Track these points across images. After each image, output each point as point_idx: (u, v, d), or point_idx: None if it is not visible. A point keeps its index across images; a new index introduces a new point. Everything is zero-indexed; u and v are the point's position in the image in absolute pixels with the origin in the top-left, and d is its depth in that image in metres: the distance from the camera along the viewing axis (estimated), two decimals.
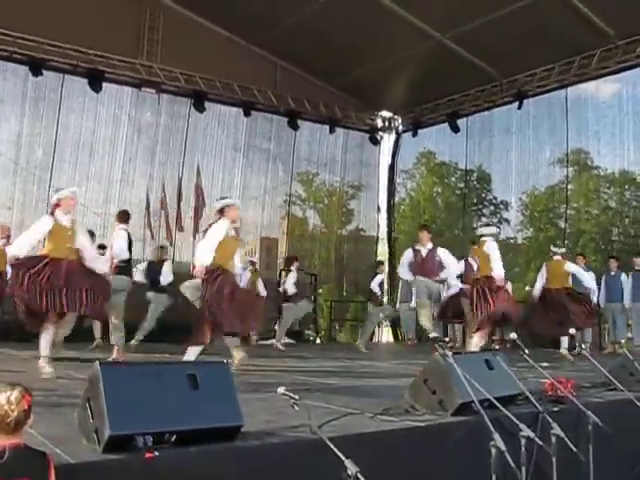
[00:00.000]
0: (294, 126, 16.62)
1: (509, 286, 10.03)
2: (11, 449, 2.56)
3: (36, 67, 13.29)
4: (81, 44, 13.41)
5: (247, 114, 15.94)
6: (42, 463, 2.64)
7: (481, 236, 9.47)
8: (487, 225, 13.01)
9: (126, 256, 9.04)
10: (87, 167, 14.60)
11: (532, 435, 3.88)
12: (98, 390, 3.21)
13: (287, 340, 13.30)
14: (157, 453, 3.08)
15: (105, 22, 13.11)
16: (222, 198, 8.28)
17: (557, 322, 9.72)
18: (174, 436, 3.29)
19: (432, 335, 5.70)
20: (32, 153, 14.04)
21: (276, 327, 13.17)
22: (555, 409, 4.72)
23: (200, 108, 15.19)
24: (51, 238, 7.18)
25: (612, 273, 12.74)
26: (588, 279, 10.86)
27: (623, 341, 10.42)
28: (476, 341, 8.65)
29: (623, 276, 12.60)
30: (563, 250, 11.02)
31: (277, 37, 14.68)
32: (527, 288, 10.79)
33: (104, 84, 14.09)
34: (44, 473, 2.62)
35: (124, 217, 9.69)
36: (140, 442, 3.11)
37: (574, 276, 10.61)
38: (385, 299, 13.63)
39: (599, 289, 12.30)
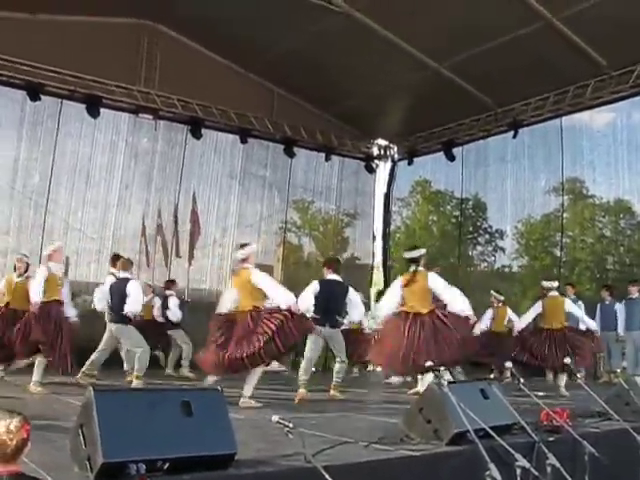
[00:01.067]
0: (290, 153, 16.66)
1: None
2: (9, 476, 2.55)
3: (34, 92, 13.31)
4: (79, 70, 13.44)
5: (244, 141, 15.97)
6: None
7: None
8: None
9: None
10: (83, 192, 14.57)
11: (528, 465, 3.86)
12: (91, 416, 3.19)
13: (279, 367, 13.21)
14: None
15: (103, 48, 13.17)
16: (243, 245, 8.39)
17: (557, 357, 9.55)
18: (167, 464, 3.27)
19: (428, 364, 5.68)
20: (29, 178, 14.02)
21: None
22: (551, 439, 4.70)
23: (197, 135, 15.23)
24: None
25: (607, 302, 12.75)
26: (588, 321, 10.57)
27: (619, 370, 10.38)
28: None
29: (617, 305, 12.60)
30: (557, 284, 10.77)
31: (274, 64, 14.76)
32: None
33: (101, 110, 14.11)
34: None
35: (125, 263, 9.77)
36: (133, 470, 3.08)
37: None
38: None
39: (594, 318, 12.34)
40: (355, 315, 9.90)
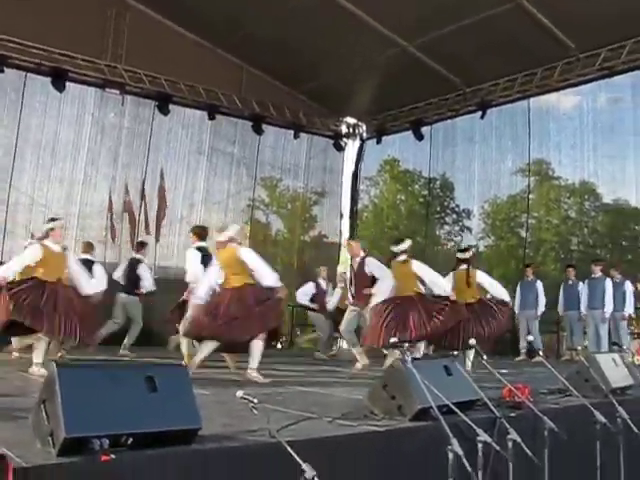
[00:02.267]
0: (258, 131, 16.58)
1: None
2: None
3: None
4: (45, 42, 13.22)
5: (212, 117, 15.87)
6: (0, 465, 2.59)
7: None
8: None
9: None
10: (49, 168, 14.40)
11: (489, 440, 3.92)
12: (54, 391, 3.17)
13: None
14: (113, 456, 3.04)
15: (70, 21, 12.96)
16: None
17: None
18: (131, 438, 3.25)
19: (392, 340, 5.74)
20: None
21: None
22: (512, 415, 4.77)
23: (164, 110, 15.09)
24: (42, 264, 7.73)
25: (570, 282, 12.94)
26: (500, 291, 9.86)
27: (580, 348, 10.53)
28: None
29: (581, 285, 12.81)
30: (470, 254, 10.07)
31: (243, 41, 14.64)
32: (487, 296, 10.71)
33: (67, 84, 13.92)
34: (0, 476, 2.57)
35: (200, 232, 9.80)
36: (96, 445, 3.06)
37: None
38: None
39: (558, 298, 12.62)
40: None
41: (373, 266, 9.60)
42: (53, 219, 8.38)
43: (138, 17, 14.33)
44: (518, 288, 13.14)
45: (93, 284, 8.80)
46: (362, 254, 9.86)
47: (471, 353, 8.92)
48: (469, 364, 8.85)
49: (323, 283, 13.40)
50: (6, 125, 13.82)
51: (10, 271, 7.67)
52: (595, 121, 14.16)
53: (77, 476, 3.00)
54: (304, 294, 13.31)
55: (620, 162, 13.92)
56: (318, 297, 13.16)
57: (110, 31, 14.15)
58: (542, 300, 12.87)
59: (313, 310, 13.32)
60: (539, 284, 12.99)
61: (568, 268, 13.34)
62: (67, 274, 8.13)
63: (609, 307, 12.26)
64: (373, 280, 9.48)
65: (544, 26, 12.48)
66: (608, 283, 12.37)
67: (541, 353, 6.00)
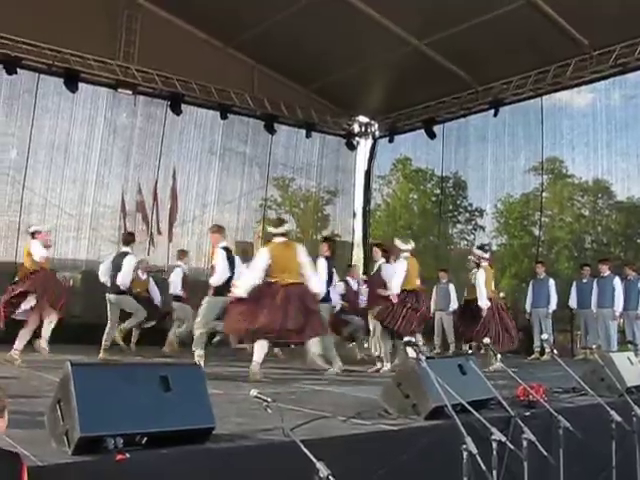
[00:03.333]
0: (271, 130, 16.58)
1: None
2: None
3: (11, 66, 13.11)
4: (57, 44, 13.26)
5: (224, 117, 15.88)
6: (13, 465, 2.58)
7: None
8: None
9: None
10: (62, 168, 14.46)
11: (503, 439, 3.91)
12: (69, 391, 3.18)
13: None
14: (128, 455, 3.05)
15: (82, 22, 12.99)
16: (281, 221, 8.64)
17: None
18: (145, 438, 3.27)
19: (406, 339, 5.73)
20: (6, 153, 13.88)
21: None
22: (527, 413, 4.75)
23: (177, 110, 15.11)
24: None
25: (584, 280, 12.86)
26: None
27: (594, 347, 10.47)
28: None
29: (594, 283, 12.73)
30: (410, 246, 9.86)
31: (255, 40, 14.64)
32: (502, 294, 10.71)
33: (80, 84, 13.96)
34: (14, 475, 2.57)
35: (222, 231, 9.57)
36: (111, 444, 3.08)
37: None
38: None
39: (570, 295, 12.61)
40: None
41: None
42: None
43: (150, 17, 14.35)
44: (530, 286, 13.11)
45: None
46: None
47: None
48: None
49: (352, 282, 13.22)
50: (19, 126, 13.87)
51: None
52: (609, 118, 14.07)
53: (92, 475, 3.02)
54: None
55: (634, 160, 13.82)
56: (348, 296, 13.05)
57: (122, 31, 14.17)
58: (554, 298, 12.80)
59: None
60: (551, 282, 12.92)
61: (584, 267, 13.23)
62: None
63: (619, 305, 12.18)
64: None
65: (557, 23, 12.41)
66: (617, 281, 12.28)
67: (555, 352, 5.94)
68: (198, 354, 8.37)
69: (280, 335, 7.60)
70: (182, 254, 12.69)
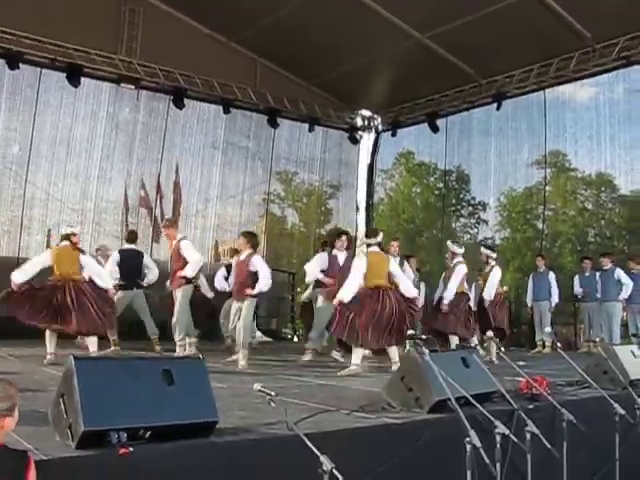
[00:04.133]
0: (273, 124, 16.56)
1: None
2: None
3: (13, 61, 13.10)
4: (60, 38, 13.25)
5: (226, 111, 15.87)
6: (20, 463, 2.59)
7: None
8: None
9: None
10: (64, 163, 14.46)
11: (507, 432, 3.91)
12: (72, 385, 3.19)
13: (264, 338, 13.26)
14: (132, 449, 3.06)
15: (84, 16, 12.96)
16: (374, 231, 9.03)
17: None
18: (149, 432, 3.27)
19: (409, 332, 5.77)
20: (8, 148, 13.88)
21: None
22: (530, 406, 4.75)
23: (179, 105, 15.10)
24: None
25: (587, 273, 12.84)
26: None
27: (597, 340, 10.46)
28: None
29: (597, 275, 12.70)
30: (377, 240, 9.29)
31: (257, 34, 14.60)
32: (505, 288, 10.70)
33: (82, 79, 13.95)
34: (21, 472, 2.57)
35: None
36: (114, 438, 3.09)
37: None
38: None
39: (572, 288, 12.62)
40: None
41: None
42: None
43: (152, 12, 14.33)
44: (530, 279, 13.05)
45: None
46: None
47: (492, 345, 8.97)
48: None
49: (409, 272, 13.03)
50: (22, 121, 13.88)
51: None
52: (612, 112, 14.04)
53: (96, 469, 3.02)
54: None
55: (637, 153, 13.79)
56: None
57: (124, 26, 14.15)
58: (555, 291, 12.71)
59: None
60: (551, 275, 12.82)
61: (585, 260, 13.20)
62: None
63: (625, 295, 12.15)
64: None
65: (560, 16, 12.37)
66: (620, 273, 12.25)
67: (559, 345, 5.93)
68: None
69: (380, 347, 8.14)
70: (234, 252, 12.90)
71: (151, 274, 10.59)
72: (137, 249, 11.00)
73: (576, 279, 12.92)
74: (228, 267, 11.83)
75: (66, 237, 8.70)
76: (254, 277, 8.73)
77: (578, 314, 13.76)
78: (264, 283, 8.75)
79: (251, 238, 9.26)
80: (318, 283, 10.00)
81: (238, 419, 4.05)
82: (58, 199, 14.31)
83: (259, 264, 8.88)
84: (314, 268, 9.98)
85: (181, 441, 3.32)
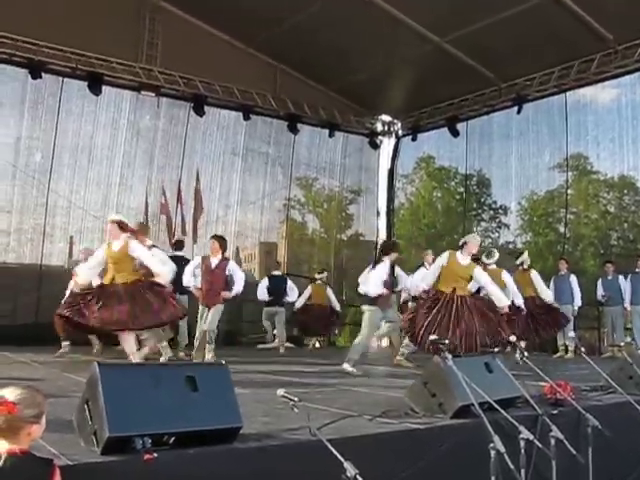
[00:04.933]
0: (294, 130, 16.61)
1: None
2: (10, 456, 2.52)
3: (35, 70, 13.27)
4: (81, 47, 13.39)
5: (246, 118, 15.93)
6: (46, 470, 2.59)
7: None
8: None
9: None
10: (86, 171, 14.57)
11: (531, 437, 3.88)
12: (97, 391, 3.21)
13: (287, 344, 13.29)
14: (156, 455, 3.07)
15: (105, 25, 13.09)
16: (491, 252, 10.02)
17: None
18: (173, 438, 3.28)
19: (432, 337, 5.74)
20: (31, 156, 14.01)
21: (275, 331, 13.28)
22: (554, 412, 4.71)
23: (199, 112, 15.18)
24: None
25: (609, 277, 12.72)
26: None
27: (622, 344, 10.37)
28: None
29: (621, 279, 12.58)
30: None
31: (277, 41, 14.67)
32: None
33: (103, 87, 14.07)
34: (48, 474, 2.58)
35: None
36: (139, 444, 3.10)
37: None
38: None
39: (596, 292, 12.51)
40: None
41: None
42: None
43: (172, 20, 14.45)
44: (552, 283, 12.89)
45: None
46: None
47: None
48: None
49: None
50: (44, 130, 14.00)
51: None
52: (634, 114, 13.92)
53: (120, 474, 3.04)
54: None
55: None
56: None
57: (145, 34, 14.29)
58: (577, 295, 12.52)
59: None
60: (573, 278, 12.61)
61: (607, 263, 13.08)
62: None
63: None
64: None
65: (580, 18, 12.31)
66: None
67: (583, 349, 5.89)
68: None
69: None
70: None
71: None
72: (184, 256, 11.38)
73: (599, 283, 12.81)
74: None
75: None
76: (229, 281, 9.22)
77: (601, 318, 13.63)
78: (240, 285, 9.29)
79: (223, 242, 9.61)
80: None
81: (261, 425, 4.05)
82: (80, 207, 14.42)
83: (235, 268, 9.55)
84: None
85: (205, 447, 3.33)
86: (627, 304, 12.40)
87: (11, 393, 2.60)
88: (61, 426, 3.70)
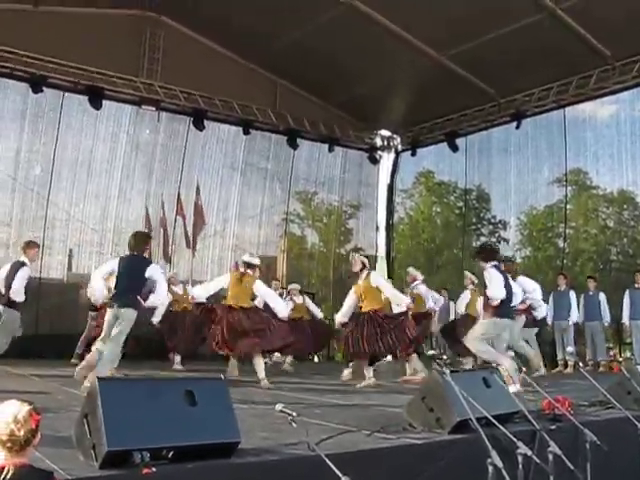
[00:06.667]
0: (293, 145, 16.64)
1: None
2: (15, 468, 2.53)
3: (36, 84, 13.32)
4: (81, 62, 13.44)
5: (246, 132, 15.97)
6: None
7: None
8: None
9: None
10: (85, 184, 14.61)
11: (529, 453, 3.88)
12: (96, 405, 3.22)
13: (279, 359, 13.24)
14: (155, 469, 3.07)
15: (105, 40, 13.17)
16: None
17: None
18: (171, 452, 3.29)
19: (430, 353, 5.74)
20: (31, 170, 14.06)
21: None
22: (552, 427, 4.71)
23: (199, 126, 15.22)
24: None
25: (590, 293, 12.72)
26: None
27: (621, 359, 10.35)
28: None
29: (601, 295, 12.59)
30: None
31: (277, 56, 14.75)
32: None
33: (104, 102, 14.12)
34: None
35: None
36: (137, 458, 3.10)
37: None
38: None
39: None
40: None
41: None
42: None
43: (172, 34, 14.53)
44: (550, 298, 12.91)
45: None
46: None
47: None
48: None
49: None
50: (44, 143, 14.06)
51: None
52: (633, 129, 13.95)
53: None
54: None
55: None
56: None
57: (145, 49, 14.36)
58: (574, 310, 12.58)
59: None
60: (572, 294, 12.69)
61: (589, 279, 13.09)
62: None
63: None
64: None
65: (579, 34, 12.37)
66: None
67: (581, 364, 5.89)
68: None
69: None
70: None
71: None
72: None
73: (581, 298, 12.77)
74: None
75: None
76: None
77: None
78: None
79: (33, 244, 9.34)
80: None
81: (260, 440, 4.05)
82: (79, 220, 14.45)
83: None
84: None
85: (204, 461, 3.34)
86: (625, 319, 12.38)
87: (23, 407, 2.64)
88: (60, 440, 3.71)
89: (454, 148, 16.61)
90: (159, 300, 8.19)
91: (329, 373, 10.76)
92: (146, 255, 8.22)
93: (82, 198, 14.62)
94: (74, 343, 10.88)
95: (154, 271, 7.85)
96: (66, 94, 14.05)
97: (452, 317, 13.75)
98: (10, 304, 8.57)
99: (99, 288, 8.08)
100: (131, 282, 7.61)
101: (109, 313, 7.53)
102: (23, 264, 8.73)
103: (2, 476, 2.50)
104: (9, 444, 2.57)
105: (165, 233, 15.44)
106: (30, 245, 9.21)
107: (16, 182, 13.80)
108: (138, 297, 7.53)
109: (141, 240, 8.15)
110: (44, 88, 13.52)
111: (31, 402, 2.70)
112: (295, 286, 13.57)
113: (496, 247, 10.63)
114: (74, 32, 12.90)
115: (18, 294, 8.51)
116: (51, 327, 13.10)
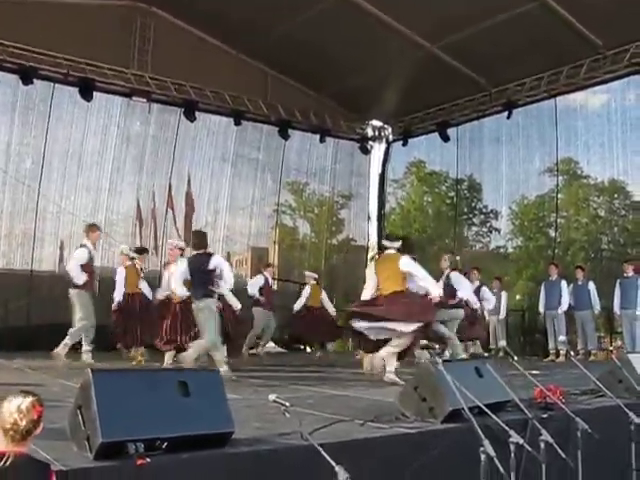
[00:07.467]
0: (284, 135, 16.61)
1: None
2: (15, 456, 2.56)
3: (27, 76, 13.23)
4: (72, 53, 13.37)
5: (237, 123, 15.94)
6: (42, 473, 2.63)
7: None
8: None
9: None
10: (76, 176, 14.57)
11: (521, 441, 3.91)
12: (89, 397, 3.21)
13: (278, 349, 13.27)
14: (149, 460, 3.08)
15: (96, 31, 13.11)
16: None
17: None
18: (165, 443, 3.29)
19: (423, 343, 5.77)
20: (21, 162, 14.01)
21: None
22: (544, 416, 4.73)
23: (190, 117, 15.17)
24: None
25: (579, 282, 12.75)
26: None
27: (612, 348, 10.43)
28: None
29: (591, 284, 12.64)
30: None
31: (268, 47, 14.70)
32: (517, 297, 10.70)
33: (94, 93, 14.05)
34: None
35: None
36: (132, 449, 3.11)
37: None
38: None
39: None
40: None
41: None
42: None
43: (163, 25, 14.47)
44: (542, 287, 12.97)
45: None
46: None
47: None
48: None
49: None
50: (34, 136, 14.01)
51: None
52: (624, 118, 14.01)
53: (113, 479, 3.05)
54: None
55: None
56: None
57: (136, 40, 14.28)
58: (565, 299, 12.66)
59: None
60: (563, 283, 12.76)
61: (577, 269, 13.13)
62: None
63: None
64: None
65: (570, 24, 12.39)
66: None
67: (572, 353, 5.93)
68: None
69: None
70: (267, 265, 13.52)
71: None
72: None
73: (570, 288, 12.79)
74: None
75: None
76: None
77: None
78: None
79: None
80: None
81: (253, 430, 4.06)
82: (70, 212, 14.41)
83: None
84: None
85: (198, 452, 3.35)
86: (616, 309, 12.42)
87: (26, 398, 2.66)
88: (54, 432, 3.71)
89: (445, 138, 16.61)
90: (227, 285, 8.72)
91: (322, 364, 10.80)
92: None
93: (73, 190, 14.58)
94: (64, 334, 10.75)
95: (218, 262, 8.60)
96: (56, 86, 13.97)
97: None
98: (74, 286, 9.53)
99: (182, 293, 8.77)
100: (202, 276, 8.41)
101: (193, 308, 8.44)
102: (81, 246, 9.84)
103: (2, 461, 2.53)
104: (11, 433, 2.62)
105: (155, 224, 15.41)
106: (92, 228, 9.85)
107: (7, 175, 13.75)
108: (210, 287, 8.35)
109: (203, 238, 8.87)
110: (34, 80, 13.42)
111: (35, 394, 2.72)
112: (311, 274, 13.91)
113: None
114: (64, 23, 12.82)
115: (75, 275, 9.53)
116: (43, 319, 13.06)
